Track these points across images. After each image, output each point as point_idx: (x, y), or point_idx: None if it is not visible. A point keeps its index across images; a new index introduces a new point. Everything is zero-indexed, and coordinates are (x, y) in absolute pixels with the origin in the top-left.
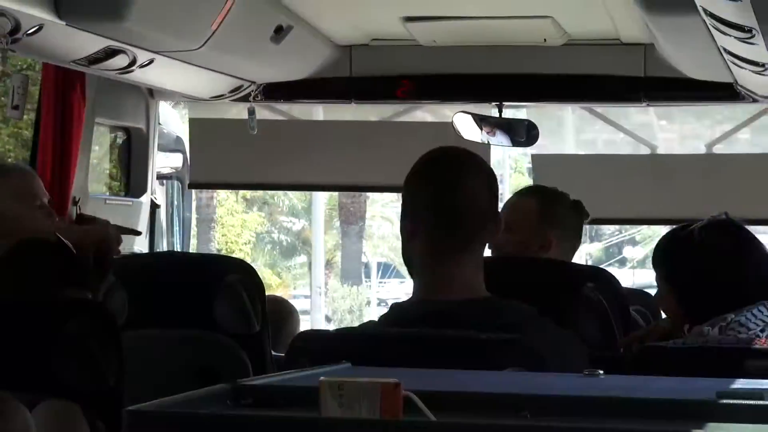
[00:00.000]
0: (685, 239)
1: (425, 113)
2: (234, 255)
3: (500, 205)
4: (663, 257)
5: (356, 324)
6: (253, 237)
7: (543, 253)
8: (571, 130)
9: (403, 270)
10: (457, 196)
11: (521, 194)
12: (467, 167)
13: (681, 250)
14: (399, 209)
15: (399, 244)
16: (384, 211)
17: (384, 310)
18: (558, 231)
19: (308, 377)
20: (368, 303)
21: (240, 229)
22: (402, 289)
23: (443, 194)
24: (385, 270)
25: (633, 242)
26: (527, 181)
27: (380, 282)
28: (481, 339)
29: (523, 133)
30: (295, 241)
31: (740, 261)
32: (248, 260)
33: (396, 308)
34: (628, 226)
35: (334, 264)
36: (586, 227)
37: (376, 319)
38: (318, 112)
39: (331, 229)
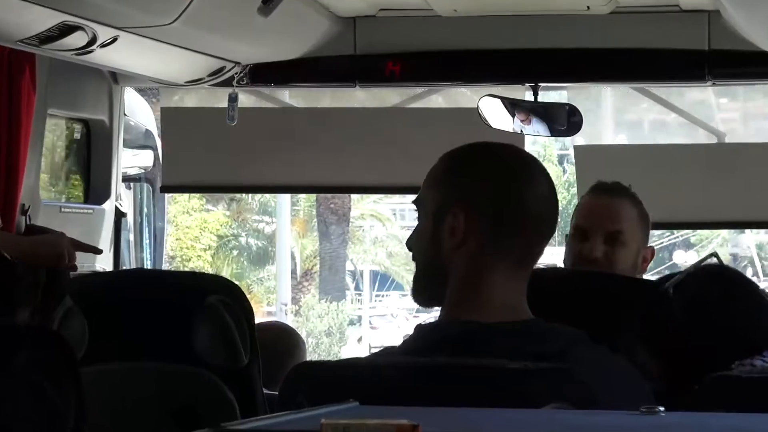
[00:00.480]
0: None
1: (444, 98)
2: (193, 265)
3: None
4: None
5: (336, 349)
6: (214, 241)
7: (643, 270)
8: (610, 110)
9: (405, 281)
10: (530, 202)
11: (611, 192)
12: (536, 169)
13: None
14: (396, 206)
15: (399, 249)
16: (376, 209)
17: (371, 330)
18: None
19: (307, 419)
20: (353, 322)
21: (198, 232)
22: (404, 303)
23: (514, 196)
24: (383, 281)
25: (687, 245)
26: (559, 171)
27: (377, 295)
28: (517, 369)
29: (563, 120)
30: (267, 245)
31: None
32: (208, 270)
33: (420, 330)
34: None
35: (315, 275)
36: None
37: (370, 343)
38: (315, 98)
39: (312, 232)
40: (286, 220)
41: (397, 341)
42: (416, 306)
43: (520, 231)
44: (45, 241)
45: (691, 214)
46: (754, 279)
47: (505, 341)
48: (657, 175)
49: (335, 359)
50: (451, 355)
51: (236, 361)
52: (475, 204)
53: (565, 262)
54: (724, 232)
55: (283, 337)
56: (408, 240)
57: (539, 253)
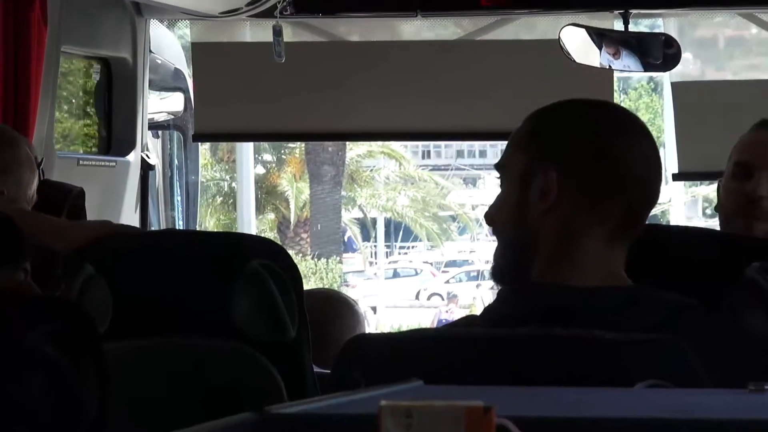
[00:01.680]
0: None
1: (519, 28)
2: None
3: None
4: None
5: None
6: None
7: None
8: (723, 51)
9: (423, 231)
10: (631, 161)
11: None
12: (638, 127)
13: None
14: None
15: (416, 193)
16: (388, 144)
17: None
18: None
19: (363, 401)
20: (344, 281)
21: None
22: (432, 256)
23: (614, 154)
24: (398, 230)
25: None
26: (656, 102)
27: (401, 247)
28: (609, 341)
29: (659, 53)
30: (257, 190)
31: None
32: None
33: (504, 297)
34: None
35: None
36: None
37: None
38: (370, 30)
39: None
40: (249, 161)
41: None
42: (445, 259)
43: (620, 193)
44: (89, 226)
45: None
46: None
47: (605, 308)
48: None
49: (398, 331)
50: (542, 324)
51: (282, 335)
52: (570, 162)
53: (721, 206)
54: None
55: (337, 307)
56: (487, 212)
57: (642, 219)
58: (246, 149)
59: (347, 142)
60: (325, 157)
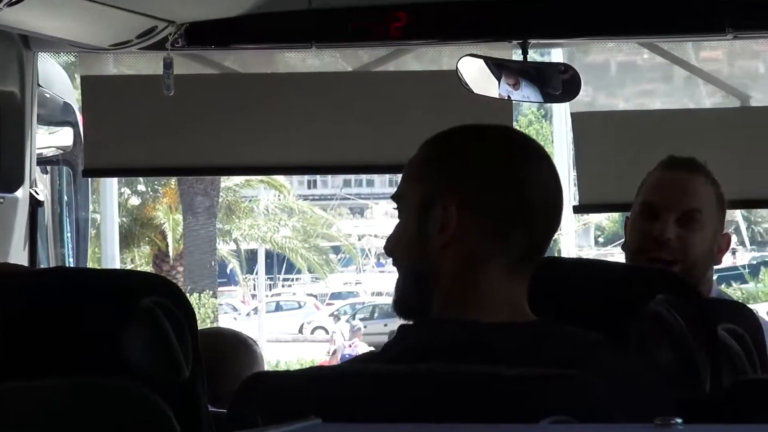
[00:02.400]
0: None
1: (416, 60)
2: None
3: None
4: None
5: None
6: None
7: (718, 261)
8: (615, 77)
9: (304, 263)
10: (531, 190)
11: (687, 167)
12: (537, 153)
13: None
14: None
15: (297, 222)
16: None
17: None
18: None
19: None
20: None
21: None
22: (317, 289)
23: (513, 184)
24: (291, 265)
25: None
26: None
27: (285, 280)
28: (513, 377)
29: (558, 83)
30: (131, 223)
31: None
32: None
33: (405, 332)
34: None
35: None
36: None
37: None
38: (264, 62)
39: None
40: (113, 192)
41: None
42: (329, 291)
43: (520, 223)
44: None
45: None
46: (740, 248)
47: (508, 344)
48: (678, 145)
49: (297, 368)
50: (443, 360)
51: (177, 375)
52: (468, 193)
53: (626, 246)
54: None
55: (233, 345)
56: (387, 243)
57: (544, 250)
58: (109, 179)
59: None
60: (199, 187)
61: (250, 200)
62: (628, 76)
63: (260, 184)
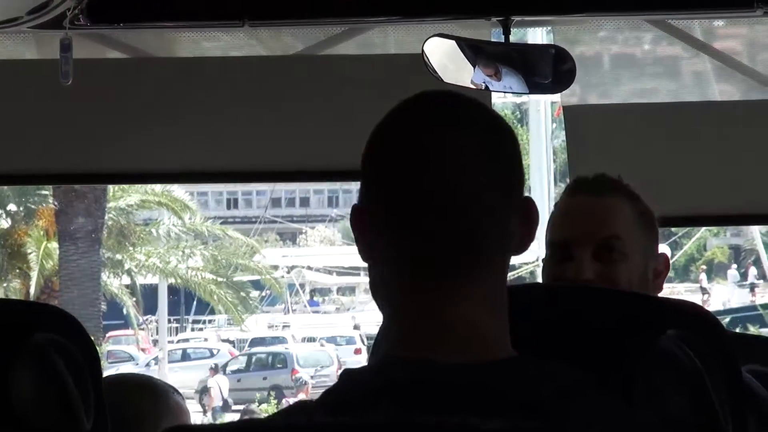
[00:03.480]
0: None
1: (371, 40)
2: None
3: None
4: None
5: None
6: None
7: (658, 288)
8: (608, 73)
9: (215, 300)
10: (460, 180)
11: (596, 188)
12: (473, 123)
13: None
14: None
15: (206, 251)
16: (169, 192)
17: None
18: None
19: None
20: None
21: None
22: (237, 333)
23: (435, 176)
24: (200, 305)
25: (664, 236)
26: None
27: (195, 321)
28: (475, 429)
29: (547, 70)
30: None
31: None
32: None
33: (348, 378)
34: None
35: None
36: None
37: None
38: (185, 43)
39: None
40: None
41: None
42: (250, 336)
43: (461, 225)
44: None
45: (736, 204)
46: (760, 282)
47: (473, 389)
48: (693, 145)
49: (223, 422)
50: (393, 411)
51: (76, 427)
52: (374, 194)
53: None
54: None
55: (146, 393)
56: None
57: (491, 253)
58: None
59: (112, 188)
60: (80, 207)
61: (148, 223)
62: (625, 72)
63: (160, 206)
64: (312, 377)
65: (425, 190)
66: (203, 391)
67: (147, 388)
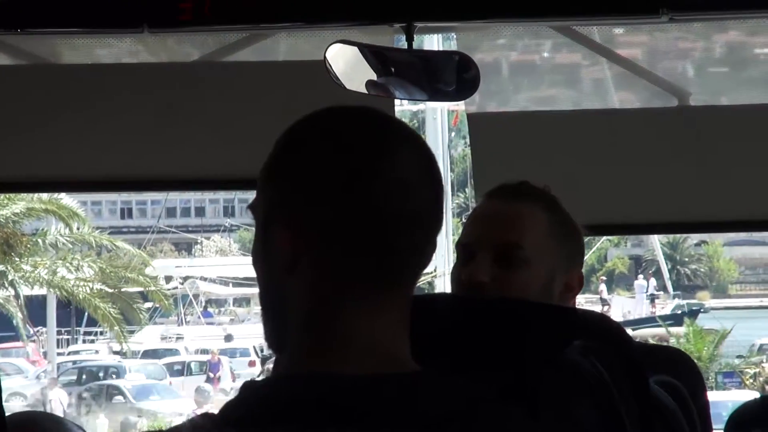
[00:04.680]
0: None
1: (271, 47)
2: None
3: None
4: None
5: None
6: None
7: (568, 299)
8: (507, 80)
9: (98, 313)
10: (386, 193)
11: (511, 194)
12: (398, 141)
13: None
14: (89, 196)
15: (109, 265)
16: (56, 200)
17: None
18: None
19: None
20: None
21: None
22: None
23: (358, 188)
24: (92, 319)
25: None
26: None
27: (86, 334)
28: None
29: (451, 77)
30: None
31: None
32: None
33: (249, 391)
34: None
35: None
36: None
37: None
38: (82, 49)
39: None
40: None
41: None
42: (142, 348)
43: (374, 240)
44: None
45: (639, 213)
46: (660, 294)
47: (378, 403)
48: (601, 155)
49: None
50: (294, 426)
51: None
52: (297, 210)
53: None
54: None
55: None
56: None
57: (415, 268)
58: None
59: None
60: None
61: (36, 233)
62: (524, 79)
63: (47, 214)
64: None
65: (354, 205)
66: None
67: (58, 427)
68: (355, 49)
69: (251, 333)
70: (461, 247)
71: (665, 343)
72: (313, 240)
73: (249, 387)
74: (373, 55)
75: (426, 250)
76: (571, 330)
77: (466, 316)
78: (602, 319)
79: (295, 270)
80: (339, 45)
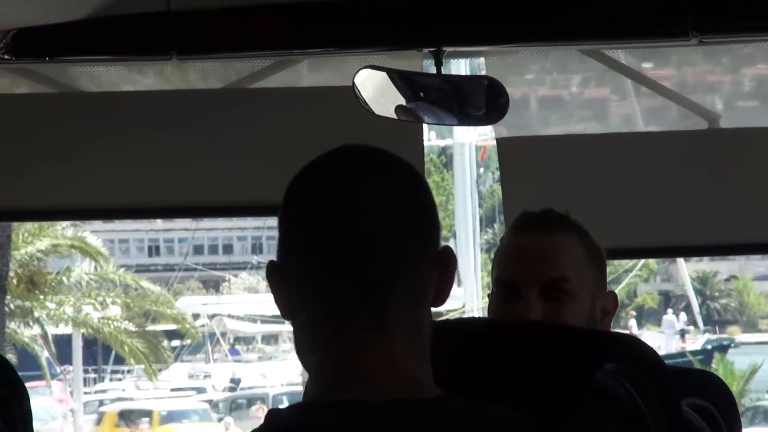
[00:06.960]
0: None
1: (300, 73)
2: None
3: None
4: None
5: None
6: None
7: (606, 327)
8: (536, 116)
9: (127, 351)
10: (373, 230)
11: (543, 225)
12: (396, 175)
13: None
14: (115, 234)
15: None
16: (81, 237)
17: None
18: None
19: None
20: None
21: None
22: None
23: (356, 220)
24: (120, 354)
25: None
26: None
27: (113, 372)
28: None
29: (481, 102)
30: None
31: None
32: None
33: (273, 419)
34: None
35: None
36: None
37: None
38: (110, 79)
39: None
40: None
41: None
42: (169, 386)
43: (352, 267)
44: None
45: (677, 235)
46: (690, 328)
47: (392, 428)
48: (624, 178)
49: None
50: None
51: None
52: (289, 247)
53: None
54: (651, 261)
55: None
56: None
57: (428, 289)
58: None
59: (21, 233)
60: None
61: (59, 272)
62: (553, 113)
63: (73, 251)
64: None
65: (338, 239)
66: None
67: None
68: (384, 74)
69: (277, 370)
70: (503, 284)
71: None
72: (317, 270)
73: (274, 414)
74: (401, 80)
75: (410, 282)
76: (602, 353)
77: (498, 339)
78: (635, 342)
79: (297, 312)
80: (368, 70)
